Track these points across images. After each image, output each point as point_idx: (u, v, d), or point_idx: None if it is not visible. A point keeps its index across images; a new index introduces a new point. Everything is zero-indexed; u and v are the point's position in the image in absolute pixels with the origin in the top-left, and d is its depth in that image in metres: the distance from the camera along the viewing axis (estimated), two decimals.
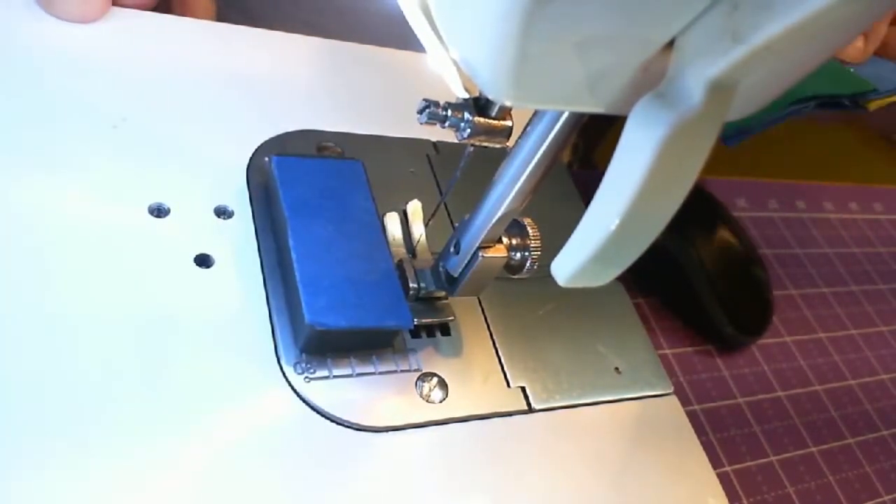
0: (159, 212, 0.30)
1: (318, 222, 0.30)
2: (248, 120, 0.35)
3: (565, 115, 0.24)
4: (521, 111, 0.24)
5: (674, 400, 0.36)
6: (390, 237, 0.33)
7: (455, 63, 0.21)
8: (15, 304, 0.26)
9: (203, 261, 0.30)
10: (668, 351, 0.44)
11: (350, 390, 0.29)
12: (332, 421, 0.28)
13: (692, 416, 0.39)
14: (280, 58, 0.39)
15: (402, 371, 0.30)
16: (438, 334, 0.32)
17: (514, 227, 0.29)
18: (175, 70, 0.35)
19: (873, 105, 0.40)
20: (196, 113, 0.34)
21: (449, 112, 0.26)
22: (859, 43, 0.35)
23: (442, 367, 0.31)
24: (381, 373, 0.30)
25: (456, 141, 0.26)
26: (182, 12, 0.39)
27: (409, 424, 0.29)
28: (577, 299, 0.37)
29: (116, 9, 0.36)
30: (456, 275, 0.30)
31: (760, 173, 0.61)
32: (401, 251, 0.33)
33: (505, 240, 0.29)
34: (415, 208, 0.34)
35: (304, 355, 0.29)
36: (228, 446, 0.26)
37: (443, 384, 0.31)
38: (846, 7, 0.15)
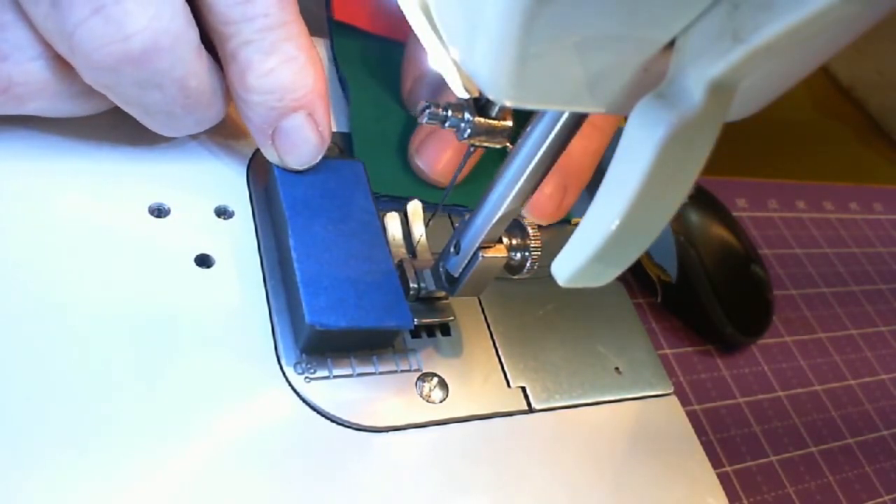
0: (159, 212, 0.30)
1: (319, 222, 0.30)
2: None
3: (565, 115, 0.24)
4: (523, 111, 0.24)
5: (674, 400, 0.36)
6: (390, 237, 0.33)
7: (455, 63, 0.21)
8: (14, 304, 0.26)
9: (203, 261, 0.30)
10: (668, 351, 0.44)
11: (350, 390, 0.29)
12: (333, 421, 0.28)
13: (692, 416, 0.39)
14: None
15: (403, 371, 0.30)
16: (438, 334, 0.32)
17: (514, 227, 0.29)
18: None
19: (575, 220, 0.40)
20: None
21: (449, 112, 0.26)
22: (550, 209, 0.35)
23: (442, 367, 0.31)
24: (381, 373, 0.30)
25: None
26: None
27: (409, 424, 0.29)
28: (577, 299, 0.37)
29: None
30: (456, 275, 0.29)
31: (760, 173, 0.61)
32: (401, 251, 0.33)
33: (505, 240, 0.29)
34: (415, 208, 0.34)
35: (304, 355, 0.29)
36: (228, 446, 0.26)
37: (443, 384, 0.31)
38: (846, 7, 0.15)
